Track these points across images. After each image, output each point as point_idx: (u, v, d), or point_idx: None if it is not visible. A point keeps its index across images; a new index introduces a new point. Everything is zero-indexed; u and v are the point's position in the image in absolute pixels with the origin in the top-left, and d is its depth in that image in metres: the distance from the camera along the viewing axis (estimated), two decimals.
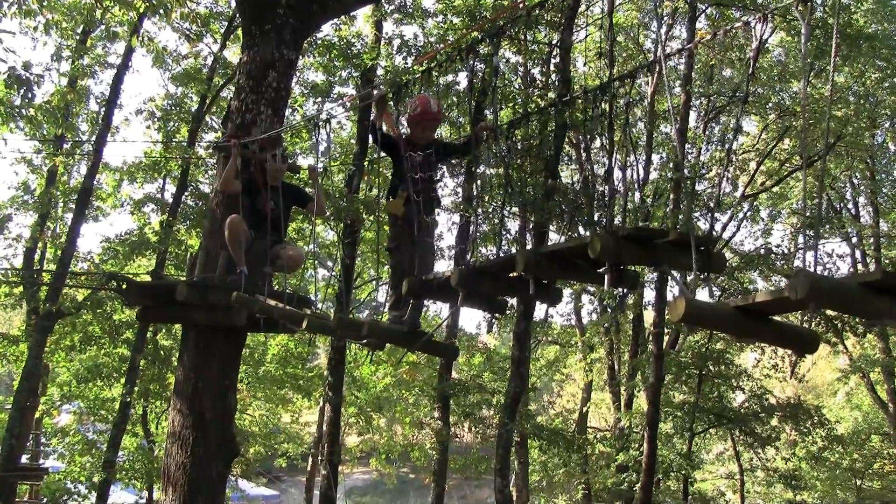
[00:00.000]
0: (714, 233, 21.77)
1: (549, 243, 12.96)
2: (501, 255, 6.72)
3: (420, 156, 6.83)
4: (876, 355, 25.21)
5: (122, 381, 19.98)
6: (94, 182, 19.90)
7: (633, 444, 20.66)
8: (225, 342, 8.78)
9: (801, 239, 23.45)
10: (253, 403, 28.15)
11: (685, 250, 4.48)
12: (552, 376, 33.04)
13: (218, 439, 8.48)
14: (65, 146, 21.01)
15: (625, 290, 20.59)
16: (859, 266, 25.89)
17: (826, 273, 20.55)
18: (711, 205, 20.80)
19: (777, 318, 3.94)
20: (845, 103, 20.73)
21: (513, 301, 16.16)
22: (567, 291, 24.96)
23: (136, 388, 19.25)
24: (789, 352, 21.54)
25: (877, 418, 28.54)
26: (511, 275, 5.86)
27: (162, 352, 20.24)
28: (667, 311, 17.32)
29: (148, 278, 17.71)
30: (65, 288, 18.96)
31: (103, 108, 19.84)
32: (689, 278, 4.74)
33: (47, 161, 20.60)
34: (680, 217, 17.32)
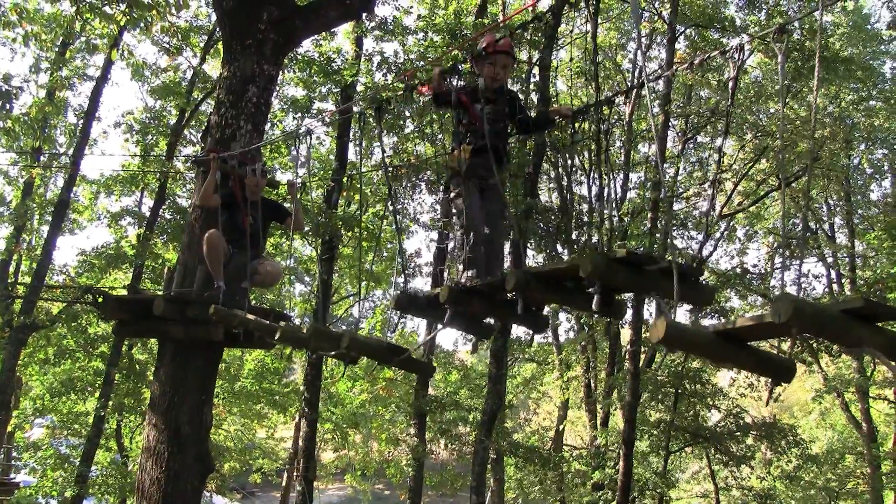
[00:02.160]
0: (692, 252, 21.88)
1: (533, 264, 12.96)
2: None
3: (490, 105, 6.22)
4: (850, 375, 25.36)
5: (97, 394, 19.86)
6: (71, 195, 19.82)
7: (608, 462, 20.65)
8: (201, 357, 8.75)
9: (778, 259, 23.60)
10: (228, 419, 28.03)
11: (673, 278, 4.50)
12: (529, 394, 32.99)
13: (193, 454, 8.44)
14: (42, 158, 20.92)
15: (610, 319, 20.65)
16: (834, 286, 26.06)
17: (802, 293, 20.69)
18: (689, 225, 20.88)
19: (755, 344, 3.95)
20: (821, 125, 20.90)
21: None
22: (546, 308, 24.99)
23: (110, 403, 19.14)
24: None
25: (851, 438, 28.68)
26: (500, 297, 5.81)
27: (137, 366, 20.12)
28: (645, 331, 17.39)
29: (124, 292, 17.64)
30: (40, 301, 18.83)
31: (81, 121, 19.80)
32: (672, 303, 4.74)
33: (24, 173, 20.50)
34: (657, 236, 17.39)
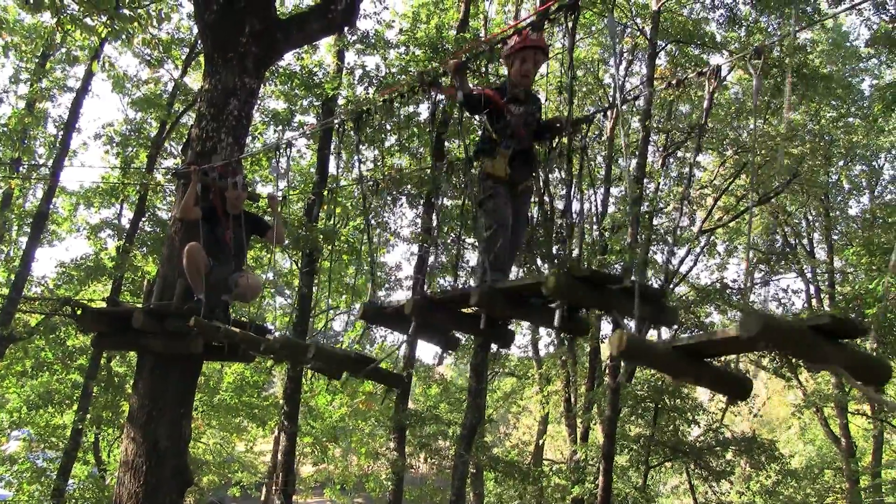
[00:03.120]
0: (671, 266, 21.93)
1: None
2: (459, 286, 6.55)
3: (521, 109, 5.92)
4: (829, 390, 25.45)
5: (75, 407, 19.71)
6: (50, 206, 19.71)
7: (588, 476, 20.63)
8: (180, 370, 8.71)
9: (758, 275, 23.70)
10: (207, 432, 27.86)
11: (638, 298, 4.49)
12: (509, 408, 33.02)
13: (171, 468, 8.40)
14: (21, 169, 20.80)
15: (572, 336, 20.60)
16: (813, 302, 26.19)
17: (781, 308, 20.77)
18: (669, 239, 20.92)
19: (715, 361, 3.94)
20: (801, 141, 21.03)
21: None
22: (525, 324, 25.02)
23: (88, 416, 18.99)
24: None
25: (830, 453, 28.78)
26: (465, 310, 5.75)
27: (116, 378, 19.99)
28: (607, 345, 17.40)
29: (103, 304, 17.54)
30: (18, 312, 18.69)
31: (61, 132, 19.71)
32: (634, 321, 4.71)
33: (2, 184, 20.38)
34: (638, 251, 17.43)
